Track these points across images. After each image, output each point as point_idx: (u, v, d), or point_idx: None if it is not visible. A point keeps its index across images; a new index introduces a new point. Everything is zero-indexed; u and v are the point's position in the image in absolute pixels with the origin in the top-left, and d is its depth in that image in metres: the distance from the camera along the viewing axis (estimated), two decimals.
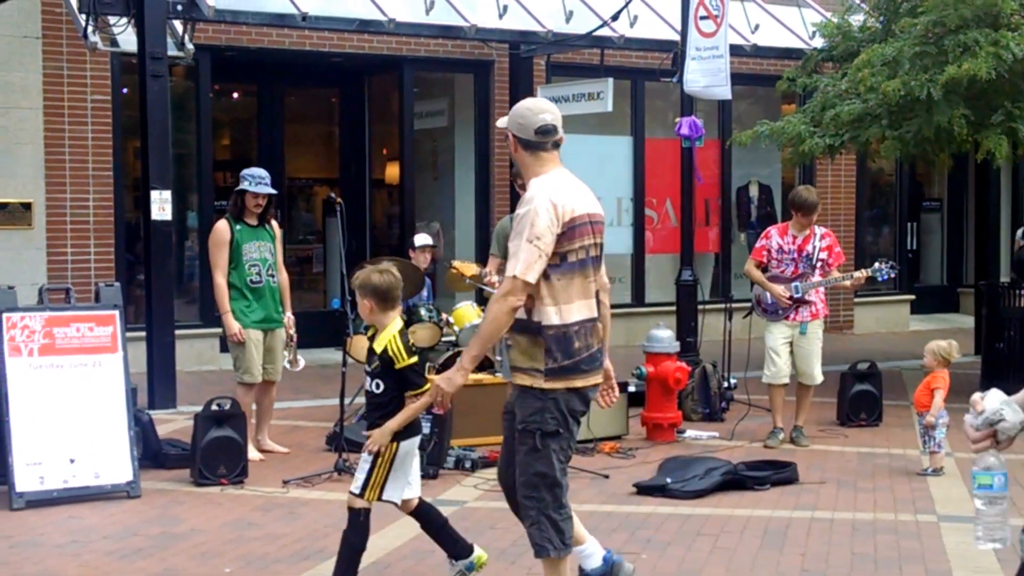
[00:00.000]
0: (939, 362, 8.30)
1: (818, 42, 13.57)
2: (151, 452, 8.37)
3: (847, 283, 9.37)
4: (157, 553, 6.36)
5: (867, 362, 10.41)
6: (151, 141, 10.71)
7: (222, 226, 8.79)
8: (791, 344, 9.28)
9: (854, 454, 9.07)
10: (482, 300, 10.84)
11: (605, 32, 13.28)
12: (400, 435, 5.45)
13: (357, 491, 5.46)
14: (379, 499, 5.51)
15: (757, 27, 14.47)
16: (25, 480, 7.29)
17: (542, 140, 5.08)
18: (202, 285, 13.61)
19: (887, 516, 7.21)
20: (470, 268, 8.63)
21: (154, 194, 10.65)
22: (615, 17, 13.16)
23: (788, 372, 9.31)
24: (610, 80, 13.17)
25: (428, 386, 5.37)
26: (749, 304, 9.91)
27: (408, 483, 5.63)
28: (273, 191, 8.91)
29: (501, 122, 5.24)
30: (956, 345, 8.43)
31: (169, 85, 11.06)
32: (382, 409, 5.49)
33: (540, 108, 5.14)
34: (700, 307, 11.49)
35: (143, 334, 10.78)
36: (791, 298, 9.17)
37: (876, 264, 9.53)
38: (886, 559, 6.31)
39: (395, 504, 5.63)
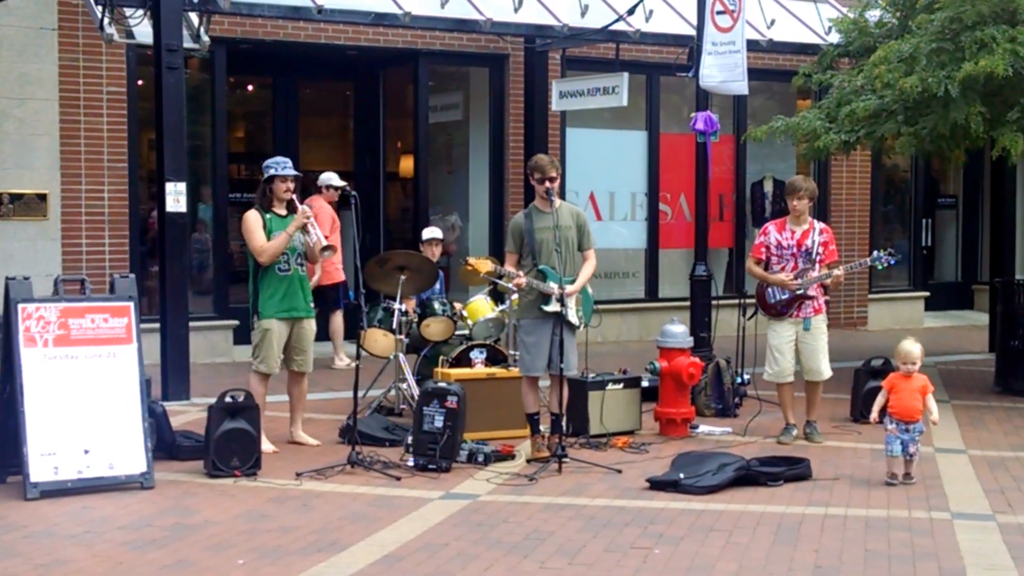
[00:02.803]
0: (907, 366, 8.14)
1: (834, 38, 13.52)
2: (165, 443, 8.39)
3: (828, 281, 9.25)
4: (170, 544, 6.38)
5: (881, 358, 10.36)
6: (166, 133, 10.73)
7: (254, 215, 8.66)
8: (795, 341, 9.25)
9: (868, 451, 9.04)
10: (496, 294, 10.84)
11: (621, 26, 13.26)
12: None
13: None
14: None
15: (773, 22, 14.43)
16: (39, 470, 7.32)
17: None
18: (216, 277, 13.64)
19: (901, 513, 7.20)
20: (484, 264, 8.62)
21: (169, 186, 10.67)
22: (631, 11, 13.14)
23: (792, 370, 9.28)
24: (625, 75, 13.14)
25: None
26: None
27: None
28: (299, 173, 8.88)
29: None
30: (903, 347, 8.24)
31: (184, 77, 11.06)
32: None
33: None
34: (714, 302, 11.48)
35: (157, 326, 10.82)
36: (794, 295, 9.13)
37: (875, 253, 9.50)
38: (900, 556, 6.30)
39: None
